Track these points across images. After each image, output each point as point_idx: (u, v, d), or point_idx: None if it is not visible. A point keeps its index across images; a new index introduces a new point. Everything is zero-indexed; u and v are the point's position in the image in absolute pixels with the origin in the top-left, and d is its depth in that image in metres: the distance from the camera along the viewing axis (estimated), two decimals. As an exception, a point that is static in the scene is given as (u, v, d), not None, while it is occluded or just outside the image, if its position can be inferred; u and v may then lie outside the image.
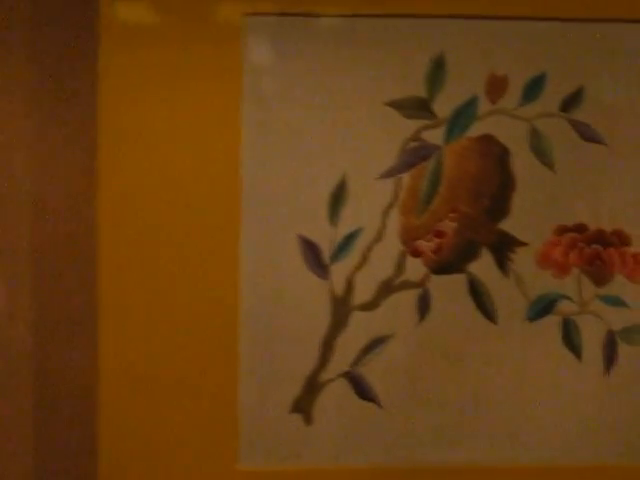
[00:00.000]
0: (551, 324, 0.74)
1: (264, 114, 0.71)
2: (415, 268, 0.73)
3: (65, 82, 0.71)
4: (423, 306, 0.73)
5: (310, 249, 0.72)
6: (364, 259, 0.72)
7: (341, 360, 0.73)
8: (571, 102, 0.73)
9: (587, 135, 0.73)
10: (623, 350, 0.74)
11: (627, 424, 0.75)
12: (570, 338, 0.74)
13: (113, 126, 0.69)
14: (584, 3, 0.73)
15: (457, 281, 0.73)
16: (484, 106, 0.73)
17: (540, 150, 0.73)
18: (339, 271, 0.72)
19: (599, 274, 0.74)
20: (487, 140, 0.73)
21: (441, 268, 0.73)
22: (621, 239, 0.74)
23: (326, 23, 0.71)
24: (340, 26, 0.72)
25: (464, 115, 0.72)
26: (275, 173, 0.72)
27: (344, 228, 0.72)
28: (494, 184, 0.73)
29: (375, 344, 0.73)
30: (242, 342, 0.72)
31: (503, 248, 0.73)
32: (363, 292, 0.73)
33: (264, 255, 0.72)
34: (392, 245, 0.73)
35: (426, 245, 0.73)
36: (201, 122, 0.71)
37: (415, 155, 0.72)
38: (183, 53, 0.70)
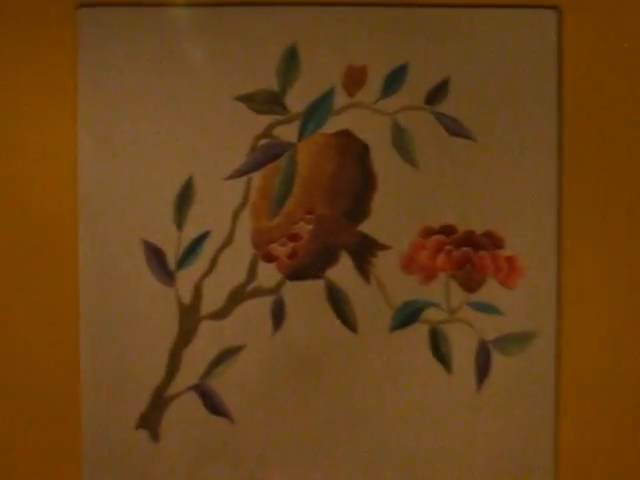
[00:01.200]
0: (418, 333, 0.68)
1: (102, 111, 0.67)
2: (268, 274, 0.68)
3: None
4: (277, 315, 0.68)
5: (154, 254, 0.68)
6: (213, 265, 0.68)
7: (190, 372, 0.68)
8: (436, 94, 0.68)
9: (453, 129, 0.68)
10: (496, 361, 0.69)
11: (501, 440, 0.69)
12: (439, 348, 0.69)
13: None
14: (448, -13, 0.68)
15: (314, 288, 0.68)
16: (341, 100, 0.68)
17: (403, 146, 0.68)
18: (186, 277, 0.68)
19: (469, 279, 0.68)
20: (345, 136, 0.68)
21: (297, 274, 0.68)
22: (493, 241, 0.68)
23: (167, 13, 0.67)
24: (184, 16, 0.67)
25: (319, 109, 0.68)
26: (116, 173, 0.67)
27: (191, 232, 0.68)
28: (353, 183, 0.68)
29: (226, 355, 0.68)
30: (83, 355, 0.68)
31: (364, 252, 0.68)
32: (212, 300, 0.68)
33: (105, 261, 0.67)
34: (243, 249, 0.68)
35: (280, 249, 0.68)
36: (35, 118, 0.67)
37: (266, 153, 0.68)
38: (15, 49, 0.67)
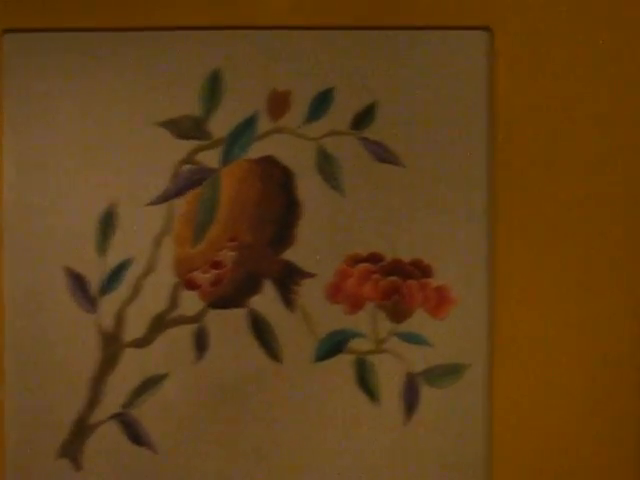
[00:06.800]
0: (343, 364, 0.67)
1: (25, 139, 0.67)
2: (191, 302, 0.67)
3: None
4: (200, 343, 0.67)
5: (77, 281, 0.67)
6: (135, 292, 0.67)
7: (113, 401, 0.67)
8: (362, 119, 0.66)
9: (380, 155, 0.66)
10: (425, 393, 0.67)
11: (431, 475, 0.67)
12: (365, 380, 0.67)
13: None
14: (373, 9, 0.66)
15: (237, 316, 0.67)
16: (265, 125, 0.66)
17: (328, 172, 0.66)
18: (108, 305, 0.67)
19: (397, 309, 0.66)
20: (268, 162, 0.66)
21: (220, 302, 0.67)
22: (422, 270, 0.66)
23: (90, 38, 0.66)
24: (106, 41, 0.66)
25: (242, 135, 0.66)
26: (37, 200, 0.67)
27: (113, 258, 0.67)
28: (277, 210, 0.67)
29: (149, 384, 0.67)
30: (6, 384, 0.67)
31: (288, 280, 0.67)
32: (135, 327, 0.67)
33: (26, 289, 0.67)
34: (165, 277, 0.67)
35: (203, 277, 0.67)
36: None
37: (189, 179, 0.67)
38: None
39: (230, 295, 0.67)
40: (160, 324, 0.67)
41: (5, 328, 0.67)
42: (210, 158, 0.67)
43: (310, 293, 0.67)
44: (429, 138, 0.66)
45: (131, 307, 0.67)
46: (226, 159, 0.66)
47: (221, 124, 0.66)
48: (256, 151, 0.67)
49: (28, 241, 0.67)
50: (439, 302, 0.66)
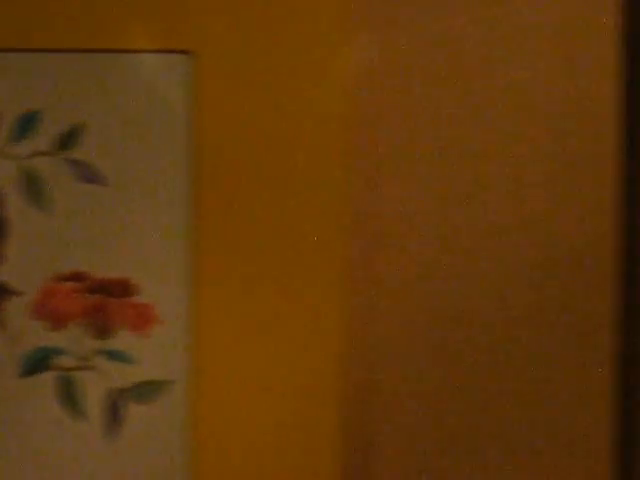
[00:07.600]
0: (46, 381, 0.68)
1: None
2: None
3: None
4: None
5: None
6: None
7: None
8: (68, 140, 0.68)
9: (86, 176, 0.68)
10: (129, 409, 0.68)
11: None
12: (68, 397, 0.68)
13: None
14: (77, 31, 0.67)
15: (-57, 333, 0.68)
16: (-29, 145, 0.68)
17: (34, 192, 0.67)
18: None
19: (101, 327, 0.68)
20: (-27, 181, 0.68)
21: None
22: (126, 288, 0.68)
23: None
24: None
25: (-52, 155, 0.67)
26: None
27: None
28: (-18, 228, 0.68)
29: None
30: None
31: (-6, 298, 0.68)
32: None
33: None
34: None
35: None
36: None
37: None
38: None
39: (-63, 312, 0.68)
40: None
41: None
42: None
43: (16, 310, 0.68)
44: (133, 158, 0.68)
45: None
46: None
47: None
48: (-38, 171, 0.68)
49: None
50: (143, 320, 0.68)
